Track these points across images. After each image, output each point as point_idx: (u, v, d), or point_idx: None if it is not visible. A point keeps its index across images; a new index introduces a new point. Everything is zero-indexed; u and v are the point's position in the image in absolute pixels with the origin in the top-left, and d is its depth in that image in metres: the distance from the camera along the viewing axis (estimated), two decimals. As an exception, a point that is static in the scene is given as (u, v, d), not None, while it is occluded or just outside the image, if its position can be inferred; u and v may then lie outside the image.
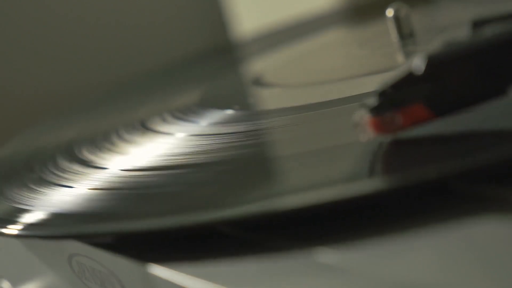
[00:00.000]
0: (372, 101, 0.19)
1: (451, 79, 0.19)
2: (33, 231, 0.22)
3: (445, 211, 0.17)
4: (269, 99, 0.31)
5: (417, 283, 0.15)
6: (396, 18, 0.31)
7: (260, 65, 0.39)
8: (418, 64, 0.18)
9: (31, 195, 0.25)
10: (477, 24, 0.20)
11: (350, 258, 0.16)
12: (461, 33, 0.20)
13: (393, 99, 0.19)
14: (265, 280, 0.17)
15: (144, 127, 0.29)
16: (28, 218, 0.23)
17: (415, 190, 0.18)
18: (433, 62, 0.18)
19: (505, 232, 0.15)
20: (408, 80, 0.19)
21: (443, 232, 0.16)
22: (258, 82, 0.34)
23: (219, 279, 0.17)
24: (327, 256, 0.17)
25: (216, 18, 0.53)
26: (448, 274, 0.14)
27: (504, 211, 0.16)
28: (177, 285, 0.18)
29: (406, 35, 0.31)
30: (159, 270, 0.19)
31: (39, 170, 0.27)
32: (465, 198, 0.17)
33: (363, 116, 0.19)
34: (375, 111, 0.19)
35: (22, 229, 0.22)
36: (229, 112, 0.28)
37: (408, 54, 0.30)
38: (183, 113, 0.30)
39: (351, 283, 0.15)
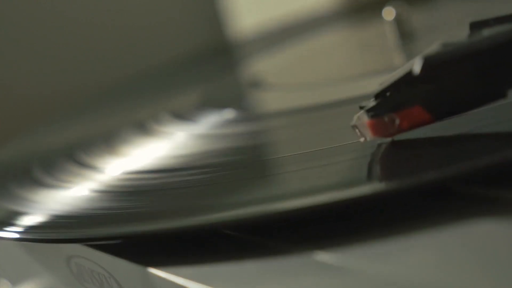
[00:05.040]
0: (371, 103, 0.19)
1: (449, 81, 0.18)
2: (33, 234, 0.22)
3: (444, 212, 0.17)
4: (267, 100, 0.31)
5: (417, 283, 0.15)
6: (395, 19, 0.31)
7: (258, 66, 0.39)
8: (416, 66, 0.18)
9: (31, 197, 0.25)
10: (475, 25, 0.20)
11: (349, 258, 0.16)
12: (460, 35, 0.20)
13: (392, 101, 0.19)
14: (265, 281, 0.17)
15: (142, 129, 0.29)
16: (28, 220, 0.23)
17: (414, 191, 0.18)
18: (431, 64, 0.18)
19: (503, 233, 0.15)
20: (407, 82, 0.19)
21: (442, 233, 0.16)
22: (256, 83, 0.34)
23: (218, 282, 0.17)
24: (327, 257, 0.17)
25: (214, 19, 0.53)
26: (447, 275, 0.15)
27: (503, 212, 0.16)
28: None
29: (405, 36, 0.31)
30: (158, 272, 0.19)
31: (39, 172, 0.27)
32: (464, 199, 0.17)
33: (362, 118, 0.19)
34: (374, 113, 0.19)
35: (22, 232, 0.22)
36: (227, 113, 0.28)
37: (407, 55, 0.30)
38: (182, 114, 0.30)
39: (350, 283, 0.15)
